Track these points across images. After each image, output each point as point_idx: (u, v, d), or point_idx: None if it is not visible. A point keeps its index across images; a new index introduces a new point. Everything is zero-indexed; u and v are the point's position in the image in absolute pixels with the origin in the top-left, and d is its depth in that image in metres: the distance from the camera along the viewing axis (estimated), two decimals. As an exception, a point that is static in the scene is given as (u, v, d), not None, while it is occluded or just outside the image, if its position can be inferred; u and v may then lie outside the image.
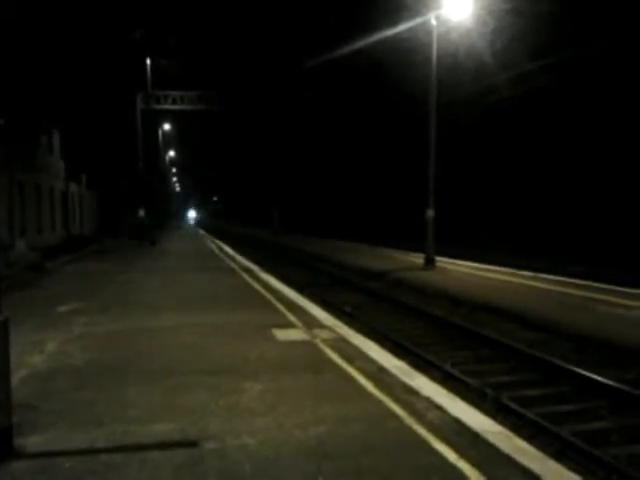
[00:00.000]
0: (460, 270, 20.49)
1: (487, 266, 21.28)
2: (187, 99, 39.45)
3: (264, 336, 8.77)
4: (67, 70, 30.43)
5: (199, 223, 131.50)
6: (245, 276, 17.50)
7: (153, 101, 38.28)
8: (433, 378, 7.31)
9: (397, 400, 5.84)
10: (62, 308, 11.55)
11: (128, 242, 36.88)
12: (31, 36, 25.26)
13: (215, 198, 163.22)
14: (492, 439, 4.88)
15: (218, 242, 41.25)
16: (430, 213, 21.75)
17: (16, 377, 6.25)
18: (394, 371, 6.97)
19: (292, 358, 7.49)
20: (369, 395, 6.03)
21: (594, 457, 5.82)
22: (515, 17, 26.93)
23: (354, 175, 55.71)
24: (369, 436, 4.94)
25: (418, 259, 23.34)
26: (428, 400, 5.87)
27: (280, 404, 5.71)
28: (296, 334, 8.99)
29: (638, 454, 6.03)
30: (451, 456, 4.53)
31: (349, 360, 7.39)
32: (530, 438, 5.63)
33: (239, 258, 25.12)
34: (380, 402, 5.80)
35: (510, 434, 5.12)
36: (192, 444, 4.77)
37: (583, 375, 8.21)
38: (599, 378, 7.98)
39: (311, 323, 9.93)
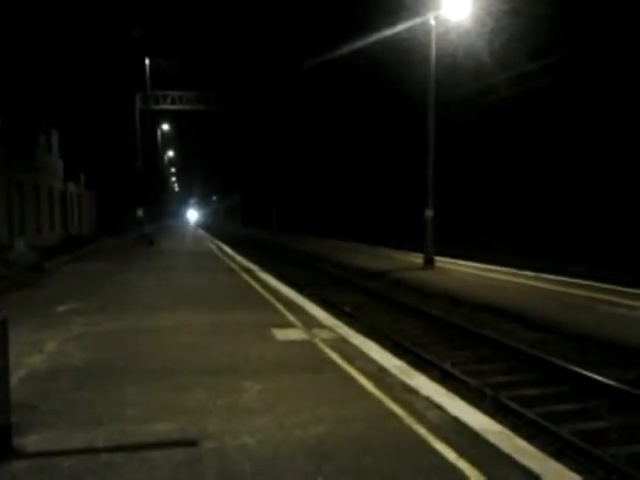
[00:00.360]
0: (460, 270, 20.49)
1: (487, 266, 21.28)
2: (186, 99, 39.48)
3: (263, 336, 8.76)
4: (66, 70, 30.40)
5: (198, 223, 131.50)
6: (245, 276, 17.49)
7: (152, 101, 38.33)
8: (432, 378, 7.31)
9: (397, 400, 5.83)
10: (61, 308, 11.53)
11: (127, 242, 36.85)
12: (30, 36, 25.24)
13: (214, 198, 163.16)
14: (492, 439, 4.87)
15: (217, 242, 41.22)
16: (429, 213, 21.75)
17: (15, 377, 6.24)
18: (394, 371, 6.96)
19: (292, 358, 7.48)
20: (369, 395, 6.03)
21: (594, 457, 5.82)
22: (514, 18, 26.95)
23: (353, 175, 55.68)
24: (369, 436, 4.94)
25: (417, 259, 23.34)
26: (428, 400, 5.86)
27: (279, 404, 5.70)
28: (296, 334, 8.98)
29: (638, 453, 6.03)
30: (451, 456, 4.53)
31: (349, 360, 7.38)
32: (530, 438, 5.63)
33: (238, 258, 25.10)
34: (380, 402, 5.80)
35: (510, 434, 5.11)
36: (191, 444, 4.76)
37: (583, 375, 8.21)
38: (600, 378, 7.98)
39: (311, 323, 9.92)
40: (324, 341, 8.46)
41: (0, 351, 4.62)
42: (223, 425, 5.16)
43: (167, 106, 39.90)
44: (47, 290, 14.79)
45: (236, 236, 57.96)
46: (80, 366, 7.15)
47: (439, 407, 5.64)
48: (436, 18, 21.16)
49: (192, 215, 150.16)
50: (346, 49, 30.85)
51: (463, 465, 4.36)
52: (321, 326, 9.68)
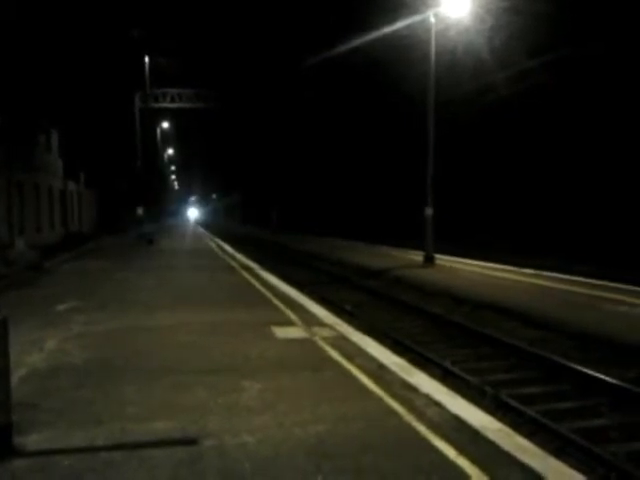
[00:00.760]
0: (460, 268, 20.49)
1: (488, 264, 21.28)
2: (185, 97, 39.47)
3: (264, 334, 8.76)
4: (65, 69, 30.38)
5: (199, 222, 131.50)
6: (244, 274, 17.49)
7: (151, 99, 38.30)
8: (433, 375, 7.31)
9: (397, 397, 5.83)
10: (61, 307, 11.53)
11: (127, 241, 36.85)
12: (30, 35, 25.22)
13: (214, 196, 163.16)
14: (492, 436, 4.87)
15: (218, 240, 41.22)
16: (429, 211, 21.76)
17: (15, 376, 6.24)
18: (394, 368, 6.96)
19: (292, 356, 7.48)
20: (369, 392, 6.03)
21: (594, 454, 5.82)
22: (513, 15, 26.93)
23: (353, 174, 55.65)
24: (369, 434, 4.94)
25: (417, 257, 23.34)
26: (427, 397, 5.86)
27: (279, 402, 5.70)
28: (296, 332, 8.98)
29: (637, 451, 6.03)
30: (451, 453, 4.53)
31: (349, 358, 7.39)
32: (530, 435, 5.64)
33: (238, 256, 25.10)
34: (380, 399, 5.80)
35: (510, 431, 5.11)
36: (191, 442, 4.76)
37: (584, 373, 8.21)
38: (601, 376, 7.98)
39: (311, 321, 9.93)
40: (324, 339, 8.47)
41: (0, 350, 4.62)
42: (223, 424, 5.16)
43: (166, 104, 39.89)
44: (47, 289, 14.79)
45: (236, 234, 57.97)
46: (80, 365, 7.15)
47: (439, 405, 5.64)
48: (436, 15, 21.15)
49: (192, 213, 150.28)
50: (345, 47, 30.84)
51: (463, 463, 4.36)
52: (321, 324, 9.68)
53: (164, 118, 55.29)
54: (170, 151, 78.70)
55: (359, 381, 6.42)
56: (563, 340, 10.36)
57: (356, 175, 54.96)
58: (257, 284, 15.08)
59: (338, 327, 9.53)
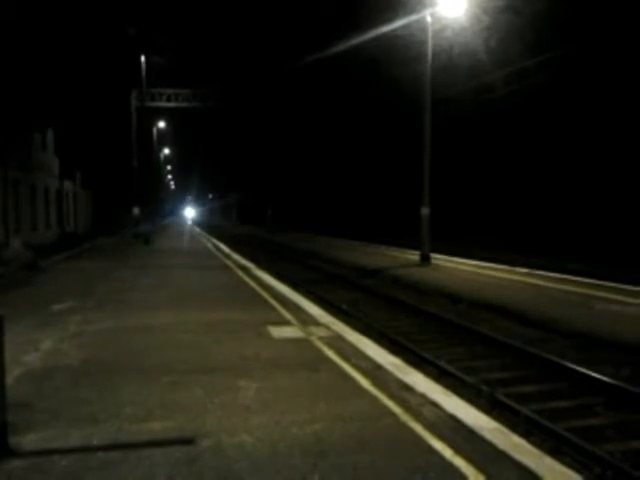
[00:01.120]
0: (456, 267, 20.53)
1: (484, 263, 21.33)
2: (181, 97, 39.43)
3: (260, 334, 8.76)
4: (61, 67, 30.32)
5: (195, 221, 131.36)
6: (240, 274, 17.48)
7: (147, 98, 38.24)
8: (428, 375, 7.33)
9: (393, 397, 5.84)
10: (57, 306, 11.51)
11: (123, 240, 36.79)
12: (25, 34, 25.15)
13: (210, 196, 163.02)
14: (488, 435, 4.89)
15: (214, 240, 41.19)
16: (425, 211, 21.79)
17: (11, 376, 6.23)
18: (390, 368, 6.97)
19: (288, 356, 7.49)
20: (365, 392, 6.04)
21: (589, 453, 5.84)
22: (509, 14, 26.97)
23: (350, 173, 55.68)
24: (365, 433, 4.95)
25: (414, 256, 23.38)
26: (423, 397, 5.87)
27: (276, 402, 5.70)
28: (292, 332, 8.99)
29: (633, 450, 6.06)
30: (447, 453, 4.54)
31: (345, 357, 7.40)
32: (526, 434, 5.65)
33: (234, 256, 25.09)
34: (376, 399, 5.81)
35: (506, 430, 5.12)
36: (188, 442, 4.76)
37: (579, 371, 8.24)
38: (595, 374, 8.02)
39: (307, 320, 9.93)
40: (320, 339, 8.47)
41: (-4, 350, 4.61)
42: (220, 423, 5.16)
43: (163, 103, 39.85)
44: (43, 288, 14.76)
45: (232, 234, 57.95)
46: (76, 364, 7.14)
47: (435, 404, 5.66)
48: (432, 15, 21.16)
49: (188, 213, 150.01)
50: (342, 47, 30.85)
51: (459, 462, 4.37)
52: (317, 324, 9.69)
53: (160, 118, 55.24)
54: (167, 151, 78.60)
55: (355, 381, 6.43)
56: (558, 339, 10.40)
57: (352, 174, 55.01)
58: (253, 283, 15.08)
59: (334, 326, 9.53)
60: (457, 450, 4.57)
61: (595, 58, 26.36)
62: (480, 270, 19.47)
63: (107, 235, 40.53)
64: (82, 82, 34.77)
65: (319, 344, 8.14)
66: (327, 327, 9.42)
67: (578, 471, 4.65)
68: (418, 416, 5.32)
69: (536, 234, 29.78)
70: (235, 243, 39.00)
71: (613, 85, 27.21)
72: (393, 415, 5.37)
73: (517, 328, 11.42)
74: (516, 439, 4.92)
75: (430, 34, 21.34)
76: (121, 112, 38.80)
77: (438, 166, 24.17)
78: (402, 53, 28.55)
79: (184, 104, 39.79)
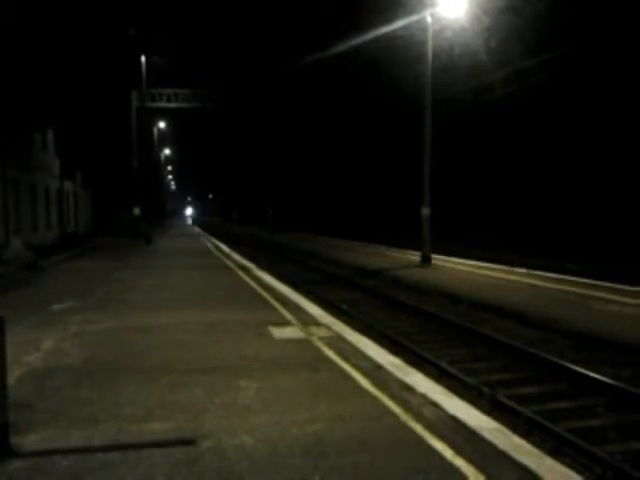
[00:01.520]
0: (456, 268, 20.52)
1: (482, 264, 21.33)
2: (181, 97, 39.44)
3: (260, 334, 8.76)
4: (62, 68, 30.33)
5: (196, 221, 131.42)
6: (241, 274, 17.48)
7: (148, 99, 38.25)
8: (429, 375, 7.33)
9: (393, 397, 5.84)
10: (57, 306, 11.52)
11: (123, 240, 36.78)
12: (26, 34, 25.16)
13: (211, 196, 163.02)
14: (489, 436, 4.89)
15: (214, 240, 41.20)
16: (426, 211, 21.77)
17: (12, 376, 6.23)
18: (390, 368, 6.97)
19: (289, 356, 7.49)
20: (365, 392, 6.04)
21: (590, 454, 5.84)
22: (509, 15, 26.97)
23: (351, 173, 55.69)
24: (365, 433, 4.95)
25: (414, 257, 23.37)
26: (424, 397, 5.87)
27: (277, 402, 5.70)
28: (292, 332, 8.99)
29: (633, 451, 6.06)
30: (448, 453, 4.54)
31: (345, 358, 7.40)
32: (526, 435, 5.65)
33: (235, 256, 25.10)
34: (376, 399, 5.81)
35: (507, 431, 5.12)
36: (188, 442, 4.76)
37: (578, 372, 8.24)
38: (595, 375, 8.01)
39: (307, 321, 9.93)
40: (321, 339, 8.47)
41: (-3, 350, 4.61)
42: (220, 423, 5.16)
43: (163, 104, 39.86)
44: (43, 288, 14.77)
45: (232, 234, 57.93)
46: (77, 365, 7.14)
47: (435, 405, 5.65)
48: (432, 15, 21.15)
49: (189, 213, 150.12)
50: (342, 47, 30.87)
51: (460, 463, 4.37)
52: (318, 324, 9.69)
53: (161, 118, 55.29)
54: (167, 151, 78.66)
55: (356, 381, 6.43)
56: (558, 339, 10.40)
57: (353, 175, 55.02)
58: (253, 284, 15.08)
59: (334, 327, 9.54)
60: (458, 450, 4.57)
61: (595, 58, 26.36)
62: (480, 270, 19.47)
63: (108, 235, 40.55)
64: (82, 82, 34.80)
65: (320, 344, 8.14)
66: (328, 327, 9.42)
67: (579, 472, 4.65)
68: (419, 416, 5.32)
69: (535, 234, 29.79)
70: (235, 243, 39.00)
71: (613, 85, 27.21)
72: (394, 415, 5.37)
73: (517, 328, 11.42)
74: (516, 440, 4.92)
75: (430, 34, 21.32)
76: (121, 112, 38.82)
77: (438, 166, 24.17)
78: (402, 53, 28.59)
79: (184, 104, 39.81)
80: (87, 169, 41.78)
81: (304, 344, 8.21)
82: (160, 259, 23.59)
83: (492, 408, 7.01)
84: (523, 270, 18.93)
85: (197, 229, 74.32)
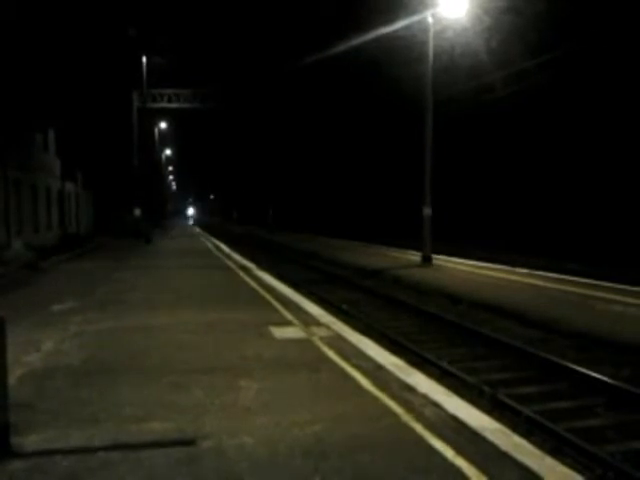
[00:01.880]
0: (457, 268, 20.52)
1: (483, 264, 21.32)
2: (182, 97, 39.44)
3: (261, 334, 8.76)
4: (63, 68, 30.33)
5: (196, 221, 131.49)
6: (241, 274, 17.48)
7: (149, 99, 38.25)
8: (430, 375, 7.31)
9: (394, 397, 5.84)
10: (58, 307, 11.51)
11: (124, 241, 36.79)
12: (26, 34, 25.16)
13: (212, 196, 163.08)
14: (490, 436, 4.88)
15: (214, 240, 41.19)
16: (427, 211, 21.76)
17: (13, 376, 6.23)
18: (391, 368, 6.96)
19: (289, 356, 7.48)
20: (366, 392, 6.03)
21: (590, 454, 5.84)
22: (511, 15, 26.96)
23: (352, 173, 55.67)
24: (366, 434, 4.94)
25: (415, 257, 23.36)
26: (425, 397, 5.87)
27: (277, 402, 5.70)
28: (293, 332, 8.98)
29: (634, 450, 6.05)
30: (449, 453, 4.53)
31: (346, 358, 7.39)
32: (527, 435, 5.65)
33: (235, 256, 25.09)
34: (377, 399, 5.80)
35: (508, 431, 5.12)
36: (189, 442, 4.76)
37: (579, 372, 8.23)
38: (595, 375, 8.01)
39: (308, 321, 9.93)
40: (321, 339, 8.47)
41: (-3, 350, 4.61)
42: (220, 424, 5.16)
43: (164, 104, 39.85)
44: (44, 289, 14.77)
45: (233, 234, 57.95)
46: (77, 365, 7.14)
47: (436, 405, 5.65)
48: (433, 15, 21.15)
49: (189, 213, 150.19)
50: (343, 47, 30.86)
51: (461, 463, 4.37)
52: (318, 324, 9.69)
53: (162, 118, 55.31)
54: (168, 152, 78.69)
55: (356, 381, 6.43)
56: (559, 339, 10.38)
57: (354, 175, 55.01)
58: (254, 284, 15.07)
59: (335, 327, 9.53)
60: (459, 450, 4.57)
61: (595, 58, 26.34)
62: (481, 271, 19.46)
63: (108, 236, 40.55)
64: (83, 83, 34.79)
65: (320, 344, 8.14)
66: (328, 327, 9.41)
67: (579, 472, 4.64)
68: (420, 416, 5.31)
69: (536, 234, 29.78)
70: (235, 243, 38.99)
71: (613, 85, 27.19)
72: (394, 415, 5.36)
73: (517, 328, 11.41)
74: (517, 439, 4.91)
75: (431, 35, 21.32)
76: (122, 113, 38.81)
77: (439, 167, 24.17)
78: (403, 54, 28.59)
79: (185, 105, 39.80)
80: (88, 169, 41.77)
81: (305, 344, 8.20)
82: (160, 259, 23.60)
83: (493, 407, 7.01)
84: (524, 270, 18.92)
85: (198, 229, 74.34)
